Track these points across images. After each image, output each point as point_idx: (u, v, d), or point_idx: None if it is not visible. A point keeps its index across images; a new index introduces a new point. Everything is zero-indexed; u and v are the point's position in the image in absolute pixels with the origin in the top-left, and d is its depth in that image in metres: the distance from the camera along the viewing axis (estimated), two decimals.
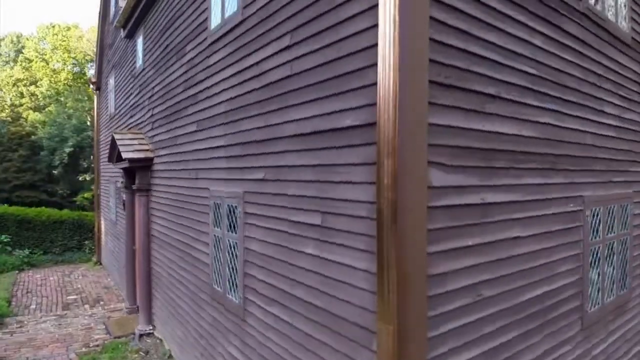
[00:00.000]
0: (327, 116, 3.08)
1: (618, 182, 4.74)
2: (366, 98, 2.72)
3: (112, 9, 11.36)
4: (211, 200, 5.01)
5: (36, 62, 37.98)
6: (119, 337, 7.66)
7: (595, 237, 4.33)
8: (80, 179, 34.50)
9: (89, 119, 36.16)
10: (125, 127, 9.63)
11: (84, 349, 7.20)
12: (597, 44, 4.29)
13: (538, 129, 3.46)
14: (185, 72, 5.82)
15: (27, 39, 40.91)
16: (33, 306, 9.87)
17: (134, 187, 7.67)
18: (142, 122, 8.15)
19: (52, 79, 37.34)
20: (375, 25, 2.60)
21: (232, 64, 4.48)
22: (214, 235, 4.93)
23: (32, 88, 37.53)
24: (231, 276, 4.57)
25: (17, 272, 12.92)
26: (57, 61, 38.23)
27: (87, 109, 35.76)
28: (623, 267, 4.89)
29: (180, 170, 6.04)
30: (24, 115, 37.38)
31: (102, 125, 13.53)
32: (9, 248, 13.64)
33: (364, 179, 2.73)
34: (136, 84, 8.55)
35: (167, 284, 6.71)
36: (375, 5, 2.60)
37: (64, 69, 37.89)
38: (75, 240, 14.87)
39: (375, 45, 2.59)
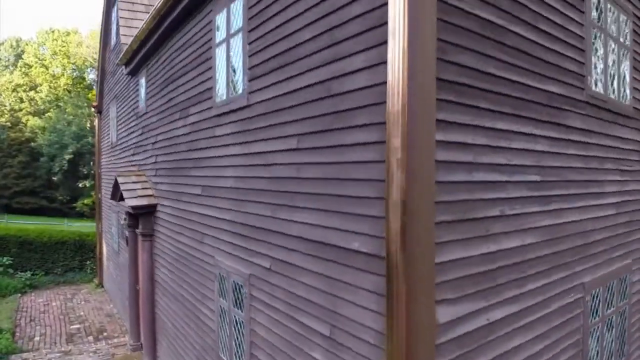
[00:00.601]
0: (333, 231, 3.13)
1: (617, 257, 4.81)
2: (373, 229, 2.77)
3: (113, 38, 11.34)
4: (217, 270, 5.06)
5: (36, 67, 37.92)
6: None
7: (594, 318, 4.40)
8: (80, 185, 34.59)
9: (89, 125, 36.19)
10: (127, 162, 9.65)
11: None
12: (600, 127, 4.34)
13: (540, 233, 3.52)
14: (190, 133, 5.86)
15: (27, 44, 40.82)
16: (37, 338, 9.94)
17: (137, 231, 7.71)
18: (145, 164, 8.18)
19: (52, 84, 37.29)
20: (382, 162, 2.65)
21: (239, 143, 4.52)
22: (220, 305, 4.99)
23: (31, 93, 37.50)
24: (237, 351, 4.62)
25: (19, 295, 12.97)
26: (57, 66, 38.17)
27: (87, 114, 35.76)
28: (622, 337, 4.97)
29: (185, 228, 6.09)
30: (24, 120, 37.38)
31: (103, 148, 13.54)
32: (10, 270, 13.69)
33: (373, 307, 2.78)
34: (139, 124, 8.58)
35: (172, 335, 6.77)
36: (382, 142, 2.65)
37: (63, 74, 37.85)
38: (76, 261, 14.93)
39: (381, 181, 2.64)
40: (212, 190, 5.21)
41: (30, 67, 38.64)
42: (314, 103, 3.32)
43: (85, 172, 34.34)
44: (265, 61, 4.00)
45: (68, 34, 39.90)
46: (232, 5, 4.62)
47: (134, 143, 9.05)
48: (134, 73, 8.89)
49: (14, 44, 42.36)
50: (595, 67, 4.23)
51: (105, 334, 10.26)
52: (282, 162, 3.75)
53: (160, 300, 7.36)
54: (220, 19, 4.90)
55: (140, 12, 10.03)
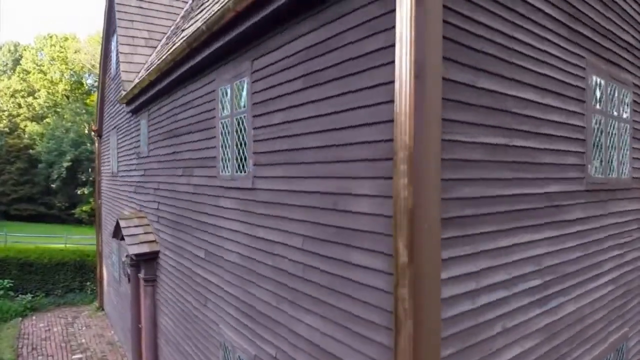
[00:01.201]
0: (339, 345, 3.18)
1: (614, 329, 4.89)
2: (380, 356, 2.82)
3: (113, 66, 11.34)
4: (221, 338, 5.12)
5: (34, 73, 37.81)
6: None
7: None
8: (78, 192, 34.61)
9: (87, 130, 36.12)
10: (128, 198, 9.67)
11: None
12: (600, 209, 4.41)
13: (538, 335, 3.59)
14: (194, 193, 5.90)
15: (25, 49, 40.65)
16: None
17: (140, 275, 7.76)
18: (147, 207, 8.21)
19: (50, 90, 37.21)
20: (389, 292, 2.71)
21: (243, 222, 4.57)
22: None
23: (29, 99, 37.42)
24: None
25: (20, 319, 13.00)
26: (55, 72, 38.05)
27: (85, 120, 35.69)
28: None
29: (189, 285, 6.14)
30: (22, 125, 37.31)
31: (103, 172, 13.54)
32: (11, 293, 13.73)
33: None
34: (140, 164, 8.61)
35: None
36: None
37: (61, 80, 37.75)
38: (77, 282, 14.98)
39: (387, 311, 2.70)
40: (216, 258, 5.26)
41: (29, 72, 38.52)
42: (320, 211, 3.37)
43: (84, 179, 34.33)
44: (270, 152, 4.04)
45: (66, 39, 39.75)
46: (235, 83, 4.66)
47: (135, 181, 9.08)
48: (134, 112, 8.91)
49: (12, 48, 42.19)
50: (595, 153, 4.29)
51: None
52: (287, 257, 3.80)
53: (163, 347, 7.42)
54: (225, 94, 4.94)
55: (140, 46, 10.03)
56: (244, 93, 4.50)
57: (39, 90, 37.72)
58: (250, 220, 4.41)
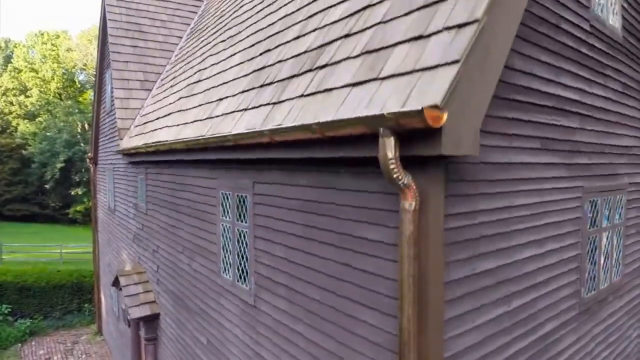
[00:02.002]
0: None
1: None
2: None
3: (108, 98, 11.20)
4: None
5: (25, 72, 37.15)
6: None
7: None
8: (72, 193, 34.41)
9: (80, 128, 35.72)
10: (126, 243, 9.68)
11: None
12: (591, 322, 4.53)
13: None
14: (195, 279, 5.94)
15: (16, 46, 39.79)
16: None
17: (140, 334, 7.83)
18: (145, 262, 8.24)
19: (42, 88, 36.63)
20: None
21: (246, 334, 4.63)
22: None
23: (21, 98, 36.85)
24: None
25: (20, 345, 13.09)
26: (47, 70, 37.41)
27: (78, 120, 35.27)
28: None
29: None
30: (14, 123, 36.80)
31: (99, 204, 13.49)
32: (9, 318, 13.78)
33: None
34: (139, 218, 8.60)
35: None
36: None
37: (53, 78, 37.14)
38: (75, 303, 15.05)
39: None
40: (218, 352, 5.34)
41: (20, 71, 37.84)
42: (326, 353, 3.44)
43: (77, 180, 34.09)
44: (273, 281, 4.09)
45: (58, 36, 38.97)
46: (237, 194, 4.67)
47: (133, 231, 9.08)
48: (133, 164, 8.86)
49: (3, 45, 41.30)
50: (588, 274, 4.38)
51: None
52: None
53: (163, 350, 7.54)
54: (226, 198, 4.95)
55: (135, 89, 9.90)
56: (246, 209, 4.52)
57: (31, 89, 37.13)
58: (253, 336, 4.48)
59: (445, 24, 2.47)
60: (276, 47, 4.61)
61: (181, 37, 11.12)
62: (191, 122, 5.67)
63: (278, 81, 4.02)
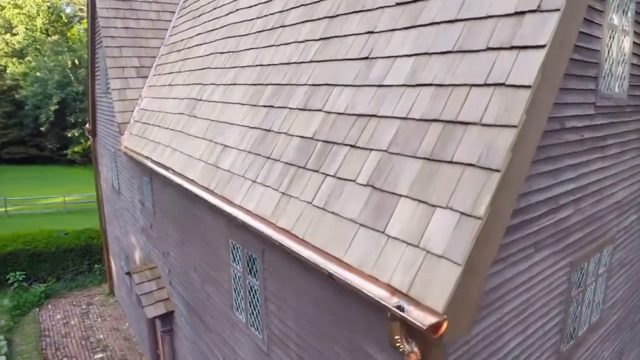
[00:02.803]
0: None
1: None
2: None
3: (103, 76, 10.99)
4: None
5: (9, 8, 35.20)
6: None
7: None
8: (69, 135, 34.33)
9: (70, 64, 34.75)
10: (134, 232, 10.09)
11: None
12: None
13: None
14: (209, 302, 6.42)
15: None
16: None
17: (156, 325, 8.52)
18: (156, 258, 8.72)
19: (28, 25, 35.00)
20: None
21: None
22: None
23: (7, 36, 35.29)
24: None
25: (37, 310, 14.04)
26: (31, 6, 35.46)
27: (68, 58, 34.21)
28: None
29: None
30: (2, 62, 35.69)
31: (103, 173, 13.71)
32: (24, 284, 14.61)
33: None
34: (147, 215, 8.93)
35: None
36: None
37: (39, 14, 35.34)
38: (85, 265, 15.86)
39: None
40: None
41: (4, 8, 35.89)
42: None
43: (73, 121, 33.88)
44: (284, 341, 4.54)
45: None
46: (247, 252, 4.97)
47: (142, 225, 9.45)
48: (137, 161, 9.00)
49: None
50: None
51: None
52: None
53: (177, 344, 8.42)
54: (236, 249, 5.25)
55: (132, 78, 9.75)
56: (256, 268, 4.85)
57: (16, 26, 35.50)
58: None
59: (449, 204, 2.65)
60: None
61: (174, 12, 10.69)
62: (197, 159, 5.80)
63: (286, 163, 4.16)
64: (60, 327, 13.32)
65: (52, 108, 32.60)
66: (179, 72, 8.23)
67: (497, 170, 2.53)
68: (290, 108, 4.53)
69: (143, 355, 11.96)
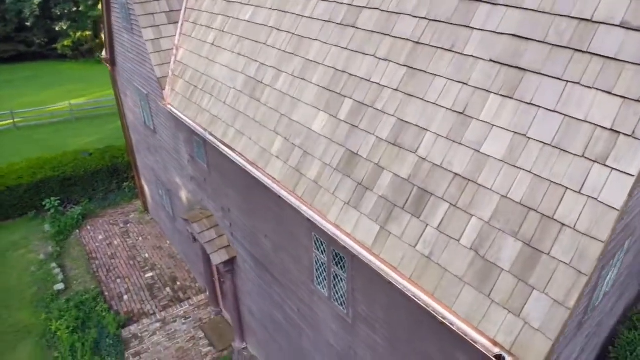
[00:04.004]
0: None
1: None
2: None
3: (121, 3, 10.85)
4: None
5: None
6: (222, 351, 11.24)
7: None
8: (57, 28, 32.88)
9: None
10: (180, 176, 10.99)
11: None
12: None
13: None
14: (283, 267, 7.68)
15: None
16: (125, 296, 13.07)
17: (216, 266, 9.97)
18: (210, 205, 9.82)
19: None
20: None
21: (342, 334, 6.66)
22: None
23: None
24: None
25: (77, 231, 15.57)
26: None
27: None
28: None
29: (278, 307, 8.49)
30: None
31: (127, 105, 14.05)
32: (61, 209, 15.92)
33: None
34: (200, 171, 9.77)
35: (262, 321, 9.90)
36: None
37: None
38: (114, 184, 17.04)
39: None
40: (308, 324, 7.49)
41: None
42: None
43: (59, 13, 32.22)
44: (372, 323, 5.88)
45: None
46: (334, 251, 6.03)
47: (191, 174, 10.34)
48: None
49: None
50: None
51: (178, 283, 13.44)
52: None
53: (247, 302, 10.20)
54: (320, 244, 6.31)
55: (163, 25, 9.75)
56: (344, 266, 5.98)
57: None
58: (349, 340, 6.51)
59: (545, 290, 3.66)
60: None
61: None
62: (274, 155, 6.52)
63: (380, 196, 5.00)
64: (105, 249, 14.98)
65: (36, 0, 30.81)
66: (223, 31, 8.35)
67: (586, 275, 3.50)
68: (377, 137, 5.20)
69: (190, 272, 13.82)
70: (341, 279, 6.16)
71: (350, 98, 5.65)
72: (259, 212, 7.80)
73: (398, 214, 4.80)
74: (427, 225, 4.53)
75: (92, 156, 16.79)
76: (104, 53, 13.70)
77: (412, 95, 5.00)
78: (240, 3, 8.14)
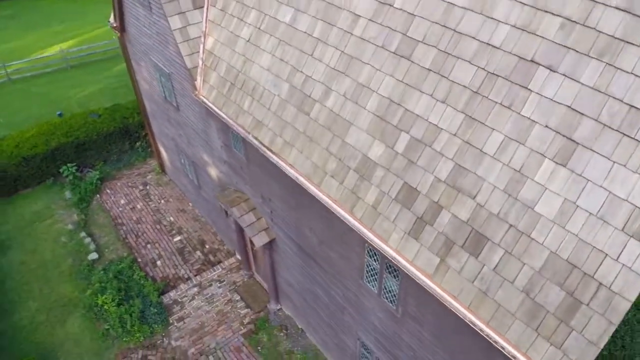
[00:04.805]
0: None
1: None
2: None
3: None
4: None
5: None
6: (258, 312, 12.80)
7: None
8: None
9: None
10: (205, 151, 11.74)
11: (242, 329, 12.43)
12: None
13: None
14: (330, 259, 8.82)
15: None
16: (158, 262, 14.39)
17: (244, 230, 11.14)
18: (247, 194, 10.76)
19: None
20: None
21: (388, 323, 8.00)
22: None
23: None
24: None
25: (98, 196, 16.50)
26: None
27: None
28: None
29: (320, 287, 9.80)
30: None
31: (140, 75, 14.29)
32: (78, 174, 16.67)
33: None
34: (236, 159, 10.54)
35: (300, 292, 11.40)
36: None
37: None
38: (127, 145, 17.66)
39: None
40: (354, 308, 8.81)
41: None
42: None
43: None
44: (418, 322, 7.16)
45: None
46: (388, 264, 7.13)
47: (222, 157, 11.11)
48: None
49: None
50: None
51: (207, 246, 14.74)
52: None
53: (284, 274, 11.57)
54: (372, 255, 7.39)
55: (189, 11, 9.94)
56: (396, 275, 7.12)
57: None
58: (395, 329, 7.85)
59: (582, 332, 4.84)
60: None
61: None
62: (328, 175, 7.36)
63: (440, 233, 6.00)
64: (129, 213, 16.07)
65: None
66: (259, 29, 8.71)
67: (614, 324, 4.65)
68: (436, 177, 6.08)
69: (217, 235, 15.09)
70: (392, 284, 7.35)
71: (407, 133, 6.43)
72: (305, 210, 8.79)
73: (457, 251, 5.84)
74: (484, 265, 5.60)
75: (102, 117, 17.22)
76: (111, 19, 13.69)
77: (470, 144, 5.81)
78: (277, 0, 8.45)
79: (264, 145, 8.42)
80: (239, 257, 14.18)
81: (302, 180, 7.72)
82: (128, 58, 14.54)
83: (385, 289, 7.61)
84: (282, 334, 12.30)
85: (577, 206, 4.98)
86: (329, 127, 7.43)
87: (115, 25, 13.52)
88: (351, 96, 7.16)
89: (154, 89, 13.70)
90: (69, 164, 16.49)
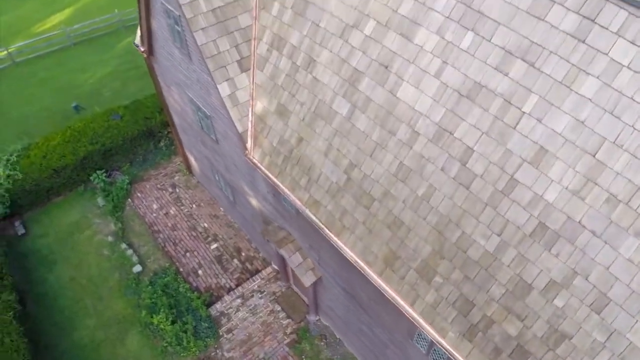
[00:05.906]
0: None
1: None
2: None
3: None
4: None
5: None
6: (299, 323, 14.82)
7: None
8: None
9: None
10: (245, 183, 13.03)
11: (287, 339, 14.52)
12: None
13: None
14: (377, 316, 10.57)
15: None
16: (200, 271, 16.16)
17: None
18: (291, 233, 12.26)
19: None
20: None
21: None
22: None
23: None
24: None
25: (129, 200, 17.87)
26: None
27: None
28: None
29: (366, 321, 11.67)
30: None
31: (170, 100, 15.02)
32: (108, 179, 17.89)
33: None
34: (282, 210, 11.90)
35: (342, 318, 13.39)
36: None
37: None
38: (151, 145, 18.72)
39: None
40: (397, 350, 10.72)
41: None
42: None
43: None
44: None
45: None
46: (435, 348, 8.87)
47: (271, 202, 12.43)
48: None
49: None
50: None
51: (243, 254, 16.47)
52: None
53: (327, 301, 13.45)
54: (420, 338, 9.11)
55: (237, 76, 10.74)
56: (441, 355, 8.90)
57: None
58: None
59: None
60: None
61: None
62: (390, 270, 8.88)
63: (492, 342, 7.71)
64: (164, 219, 17.58)
65: None
66: (314, 113, 9.72)
67: None
68: (490, 296, 7.66)
69: (251, 242, 16.77)
70: (442, 354, 9.17)
71: (465, 252, 7.89)
72: (357, 277, 10.38)
73: (503, 358, 7.58)
74: None
75: (124, 119, 18.07)
76: (137, 39, 14.08)
77: (521, 277, 7.33)
78: (332, 90, 9.39)
79: (322, 223, 9.81)
80: (274, 266, 15.95)
81: (362, 265, 9.25)
82: (155, 76, 15.19)
83: (436, 352, 9.44)
84: (322, 343, 14.42)
85: (604, 346, 6.65)
86: (389, 226, 8.83)
87: (142, 49, 14.02)
88: (410, 206, 8.48)
89: (186, 113, 14.57)
90: (98, 171, 17.66)
